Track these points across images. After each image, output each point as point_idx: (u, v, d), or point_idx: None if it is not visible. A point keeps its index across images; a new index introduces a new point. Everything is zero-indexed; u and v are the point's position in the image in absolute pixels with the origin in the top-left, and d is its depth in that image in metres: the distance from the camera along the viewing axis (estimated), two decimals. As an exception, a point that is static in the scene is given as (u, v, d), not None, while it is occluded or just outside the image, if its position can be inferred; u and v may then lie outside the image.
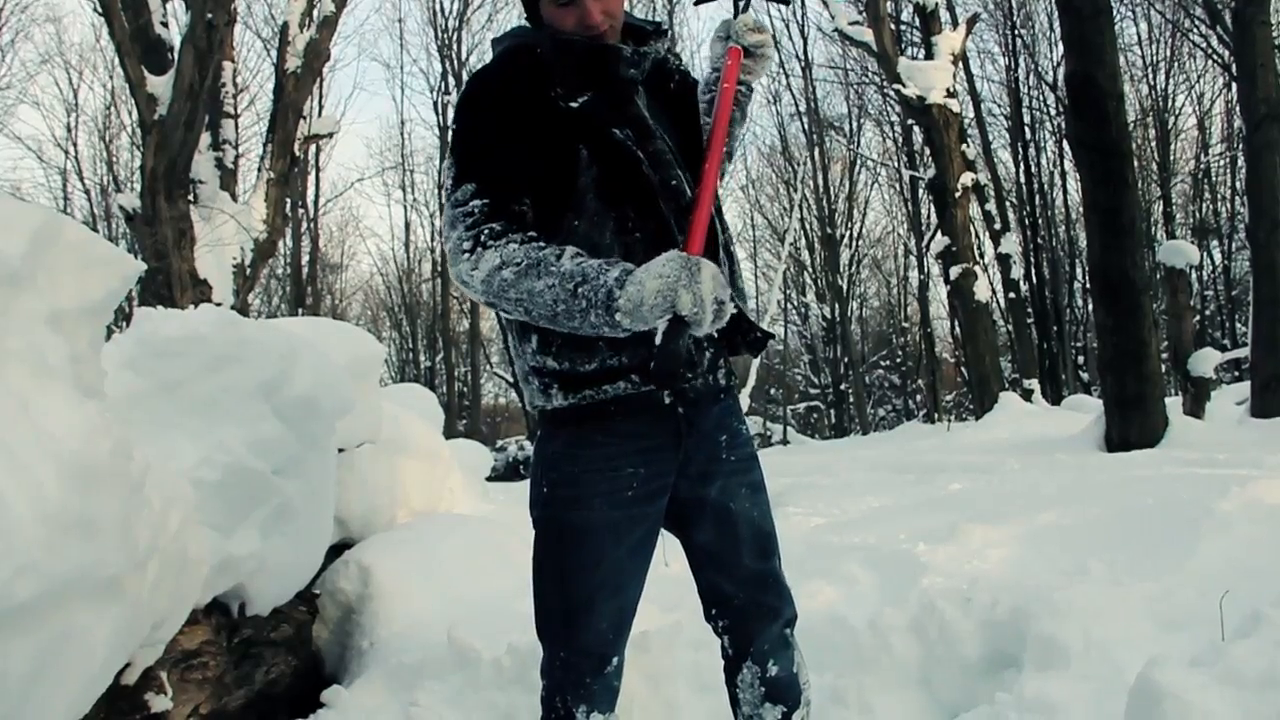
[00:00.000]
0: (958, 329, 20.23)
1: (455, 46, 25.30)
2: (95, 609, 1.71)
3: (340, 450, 3.44)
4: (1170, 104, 23.50)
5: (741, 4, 1.92)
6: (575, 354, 1.59)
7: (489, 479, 7.31)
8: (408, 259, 29.39)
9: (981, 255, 18.25)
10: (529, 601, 1.74)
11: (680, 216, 1.60)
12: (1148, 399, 7.22)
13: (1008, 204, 22.23)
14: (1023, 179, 23.35)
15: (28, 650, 1.54)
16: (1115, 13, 11.50)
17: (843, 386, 26.53)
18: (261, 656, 2.92)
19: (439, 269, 25.95)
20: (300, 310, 22.48)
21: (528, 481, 1.76)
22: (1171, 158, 23.76)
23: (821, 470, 8.58)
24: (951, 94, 14.62)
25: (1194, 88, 23.47)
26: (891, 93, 17.18)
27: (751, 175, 27.65)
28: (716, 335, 1.70)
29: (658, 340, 1.40)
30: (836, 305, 25.79)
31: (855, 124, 26.38)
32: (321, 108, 21.88)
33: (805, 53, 24.42)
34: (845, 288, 26.20)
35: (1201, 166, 23.71)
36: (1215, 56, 18.06)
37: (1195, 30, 19.01)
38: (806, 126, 25.31)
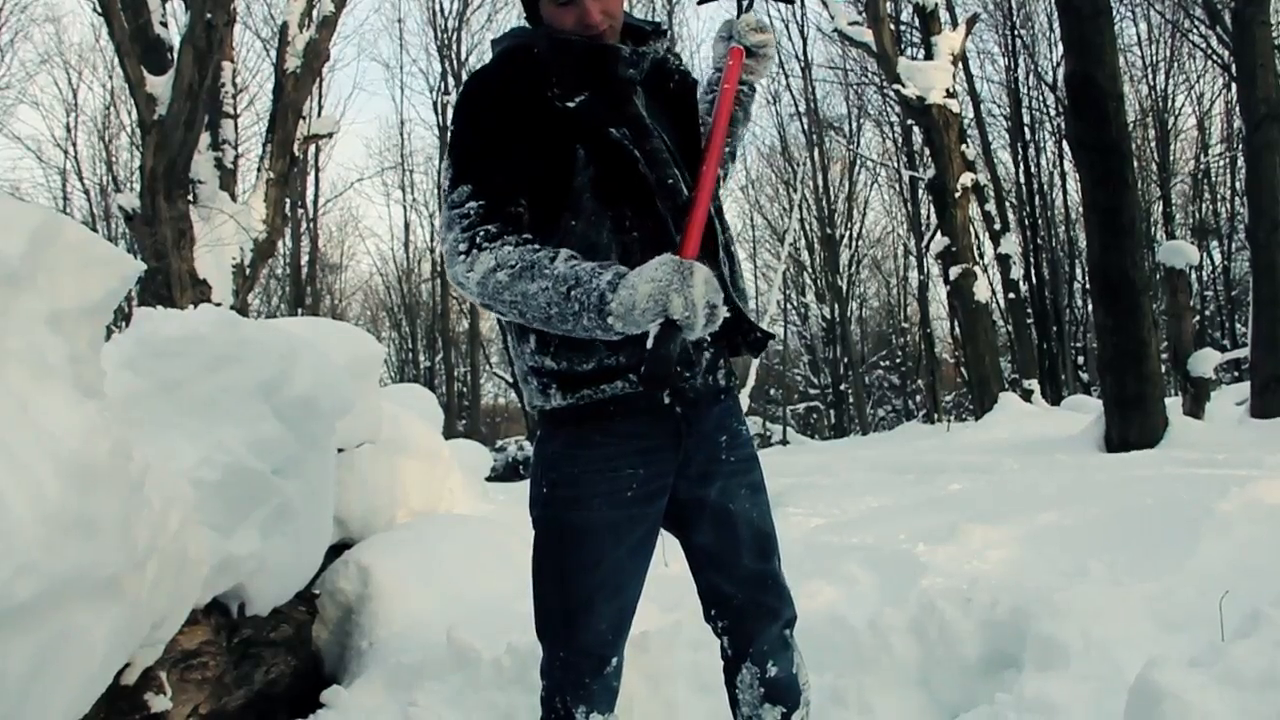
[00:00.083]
0: (957, 329, 20.23)
1: (455, 46, 25.30)
2: (95, 609, 1.71)
3: (340, 450, 3.44)
4: (1170, 104, 23.52)
5: (745, 3, 1.92)
6: (573, 354, 1.59)
7: (488, 479, 7.31)
8: (407, 259, 29.40)
9: (981, 255, 18.26)
10: (529, 601, 1.74)
11: (678, 215, 1.60)
12: (1147, 399, 7.22)
13: (1007, 204, 22.23)
14: (1022, 179, 23.36)
15: (27, 650, 1.54)
16: (1115, 13, 11.51)
17: (842, 387, 26.53)
18: (261, 657, 2.91)
19: (438, 269, 25.94)
20: (300, 310, 22.48)
21: (527, 481, 1.76)
22: (1171, 158, 23.77)
23: (821, 470, 8.58)
24: (951, 94, 14.61)
25: (1194, 88, 23.50)
26: (891, 93, 17.18)
27: (751, 175, 27.66)
28: (716, 335, 1.70)
29: (649, 344, 1.40)
30: (836, 305, 25.78)
31: (855, 124, 26.40)
32: (321, 108, 21.89)
33: (805, 53, 24.45)
34: (845, 288, 26.19)
35: (1201, 167, 23.72)
36: (1215, 57, 18.08)
37: (1195, 30, 19.02)
38: (806, 127, 25.33)
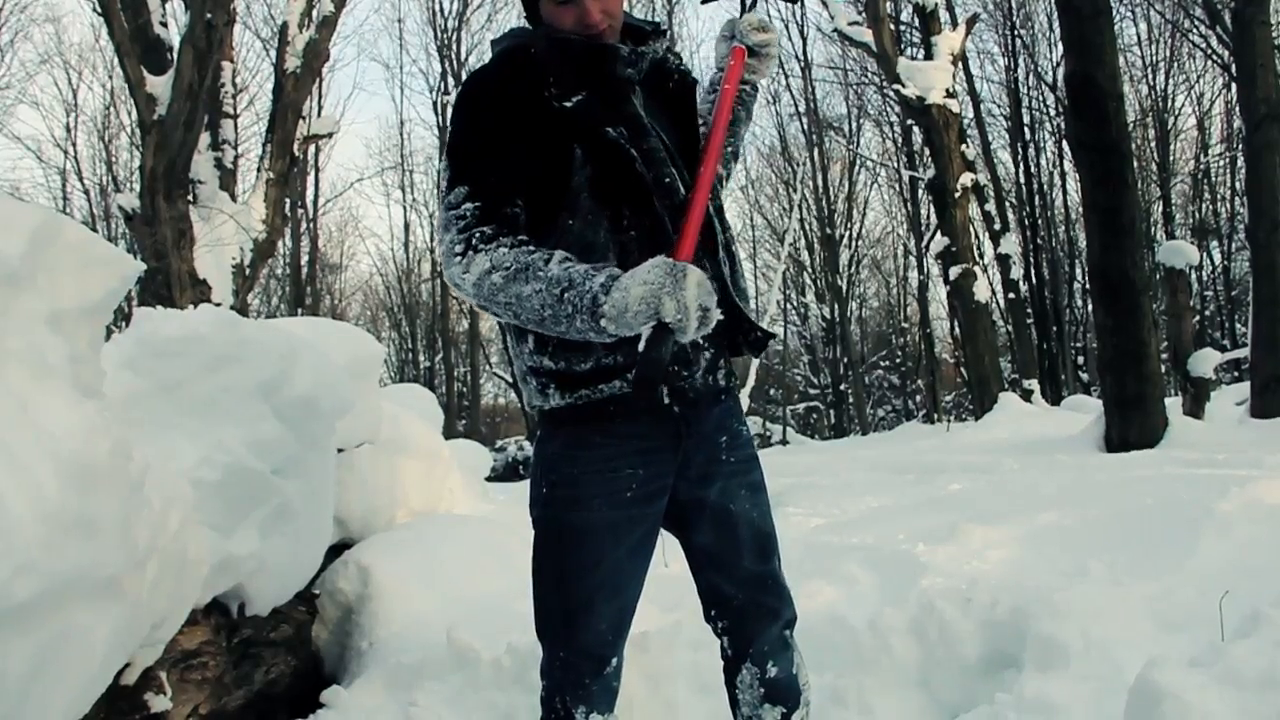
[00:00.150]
0: (957, 329, 20.23)
1: (454, 46, 25.32)
2: (95, 609, 1.71)
3: (340, 450, 3.43)
4: (1170, 104, 23.53)
5: (748, 2, 1.92)
6: (571, 354, 1.59)
7: (488, 479, 7.30)
8: (407, 259, 29.42)
9: (981, 255, 18.25)
10: (528, 601, 1.74)
11: (675, 214, 1.60)
12: (1147, 399, 7.23)
13: (1007, 204, 22.23)
14: (1022, 179, 23.37)
15: (27, 650, 1.54)
16: (1115, 13, 11.51)
17: (842, 387, 26.53)
18: (261, 657, 2.91)
19: (438, 269, 25.80)
20: (300, 310, 22.48)
21: (527, 482, 1.76)
22: (1171, 158, 23.77)
23: (821, 470, 8.59)
24: (951, 94, 14.62)
25: (1194, 88, 23.51)
26: (891, 93, 17.19)
27: (751, 175, 27.65)
28: (717, 335, 1.70)
29: (640, 347, 1.40)
30: (836, 305, 25.78)
31: (855, 124, 26.41)
32: (321, 108, 21.90)
33: (805, 53, 24.46)
34: (845, 288, 26.19)
35: (1201, 167, 23.72)
36: (1215, 57, 18.08)
37: (1195, 30, 19.03)
38: (806, 127, 25.34)
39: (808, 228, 26.53)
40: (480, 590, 3.39)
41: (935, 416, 19.87)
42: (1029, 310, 21.27)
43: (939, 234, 15.70)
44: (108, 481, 1.70)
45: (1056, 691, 2.32)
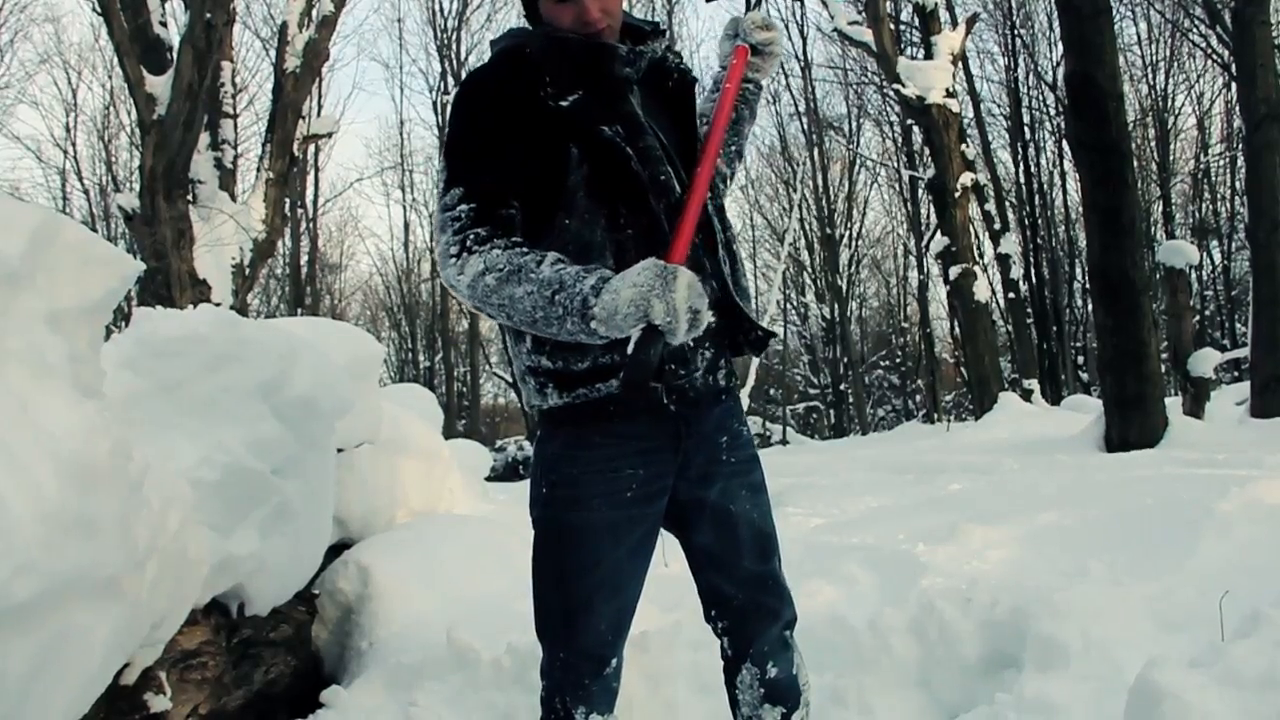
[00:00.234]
0: (957, 329, 20.23)
1: (454, 46, 25.32)
2: (94, 609, 1.71)
3: (339, 450, 3.43)
4: (1170, 104, 23.53)
5: (752, 0, 1.92)
6: (568, 353, 1.59)
7: (488, 479, 7.30)
8: (407, 259, 29.41)
9: (981, 255, 18.26)
10: (528, 601, 1.74)
11: (671, 213, 1.60)
12: (1147, 399, 7.23)
13: (1007, 204, 22.23)
14: (1022, 179, 23.37)
15: (27, 650, 1.54)
16: (1115, 12, 11.51)
17: (842, 387, 26.54)
18: (260, 657, 2.91)
19: (438, 269, 25.90)
20: (299, 310, 22.48)
21: (527, 482, 1.76)
22: (1171, 158, 23.78)
23: (821, 470, 8.59)
24: (951, 94, 14.62)
25: (1194, 88, 23.51)
26: (891, 93, 17.19)
27: (751, 175, 27.63)
28: (717, 334, 1.70)
29: (629, 349, 1.40)
30: (836, 305, 25.78)
31: (855, 124, 26.41)
32: (320, 107, 21.89)
33: (805, 53, 24.45)
34: (845, 288, 26.20)
35: (1201, 166, 23.72)
36: (1215, 56, 18.07)
37: (1195, 30, 19.02)
38: (806, 126, 25.34)
39: (808, 227, 26.53)
40: (480, 590, 3.39)
41: (935, 416, 19.87)
42: (1029, 310, 21.28)
43: (939, 234, 15.70)
44: (107, 481, 1.70)
45: (1056, 691, 2.32)
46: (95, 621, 1.72)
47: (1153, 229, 22.31)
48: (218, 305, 3.34)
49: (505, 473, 17.25)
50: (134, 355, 2.56)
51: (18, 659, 1.52)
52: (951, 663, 2.70)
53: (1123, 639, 2.48)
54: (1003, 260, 19.06)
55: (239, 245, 9.96)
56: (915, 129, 19.24)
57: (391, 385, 7.73)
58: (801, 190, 23.97)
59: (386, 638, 3.14)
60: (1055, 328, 22.46)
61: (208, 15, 9.02)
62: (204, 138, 10.01)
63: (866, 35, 15.29)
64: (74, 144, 25.32)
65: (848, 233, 26.58)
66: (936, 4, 15.51)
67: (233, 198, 10.52)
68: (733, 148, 1.99)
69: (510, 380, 24.25)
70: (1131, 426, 7.13)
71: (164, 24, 10.13)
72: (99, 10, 9.79)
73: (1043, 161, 24.00)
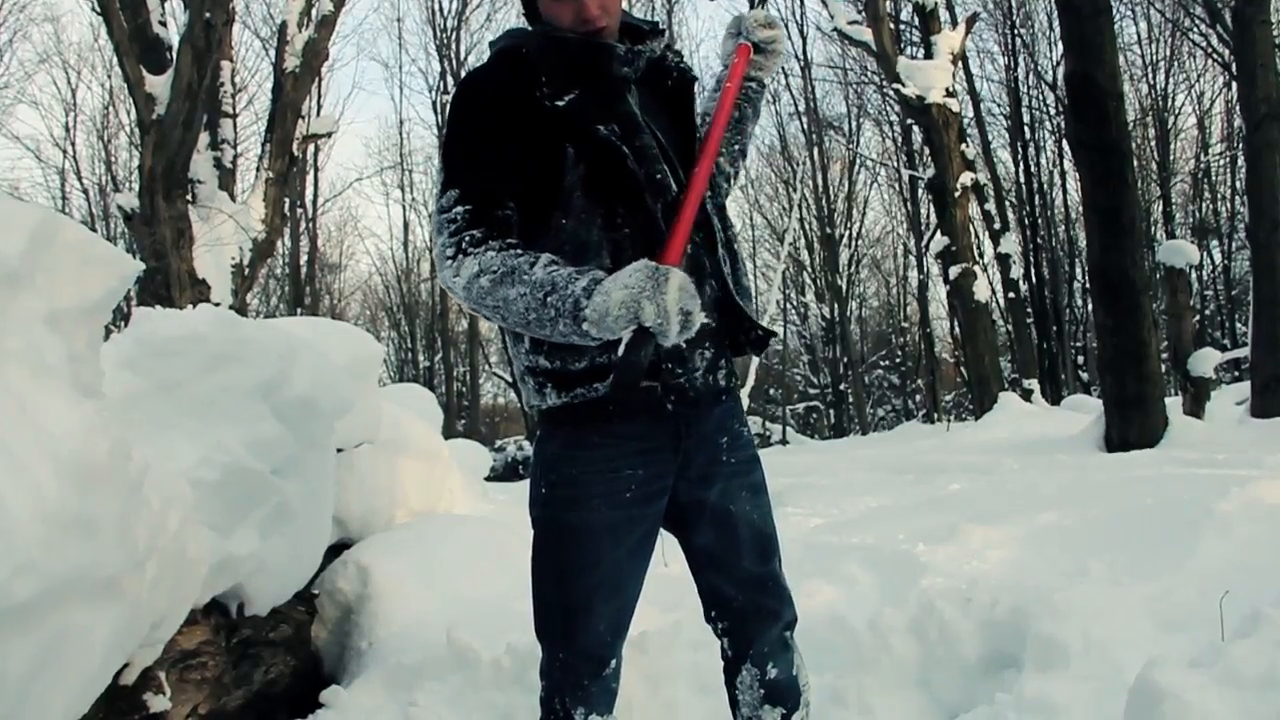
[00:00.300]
0: (957, 329, 20.23)
1: (454, 46, 25.31)
2: (94, 609, 1.71)
3: (339, 450, 3.43)
4: (1170, 103, 23.52)
5: None
6: (565, 353, 1.59)
7: (488, 479, 7.30)
8: (406, 259, 29.40)
9: (981, 255, 18.25)
10: (528, 602, 1.74)
11: (668, 212, 1.60)
12: (1148, 399, 7.22)
13: (1007, 204, 22.23)
14: (1022, 179, 23.36)
15: (26, 650, 1.54)
16: (1115, 11, 11.50)
17: (842, 386, 26.53)
18: (260, 657, 2.91)
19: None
20: (299, 310, 22.48)
21: (526, 481, 1.76)
22: (1171, 157, 23.77)
23: (821, 470, 8.58)
24: (951, 93, 14.61)
25: (1194, 87, 23.50)
26: (891, 92, 17.18)
27: (751, 175, 27.61)
28: (718, 334, 1.70)
29: (619, 351, 1.40)
30: (836, 305, 25.78)
31: (854, 123, 26.40)
32: (320, 107, 21.88)
33: (804, 52, 24.44)
34: (844, 287, 26.19)
35: (1201, 166, 23.72)
36: (1215, 56, 18.08)
37: (1195, 29, 19.02)
38: (806, 126, 25.33)
39: (807, 227, 26.53)
40: (480, 590, 3.39)
41: (935, 416, 19.87)
42: (1029, 310, 21.27)
43: (939, 233, 15.69)
44: (107, 481, 1.70)
45: (1056, 691, 2.31)
46: (95, 621, 1.71)
47: (1153, 229, 22.31)
48: (217, 305, 3.34)
49: (505, 473, 17.25)
50: (133, 355, 2.56)
51: (17, 659, 1.52)
52: (951, 663, 2.70)
53: (1123, 639, 2.48)
54: (1003, 260, 19.06)
55: (238, 245, 9.96)
56: (915, 128, 19.25)
57: (391, 385, 7.73)
58: (801, 190, 23.96)
59: (386, 638, 3.14)
60: (1055, 328, 22.45)
61: (207, 15, 9.02)
62: (203, 137, 10.01)
63: (866, 35, 15.29)
64: (73, 144, 25.35)
65: (847, 232, 26.58)
66: (936, 3, 15.50)
67: (232, 197, 10.52)
68: (736, 146, 1.99)
69: (510, 380, 24.24)
70: (1131, 426, 7.12)
71: (163, 23, 10.13)
72: (98, 10, 9.79)
73: (1043, 161, 24.02)
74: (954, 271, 14.62)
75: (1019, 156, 23.30)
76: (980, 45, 23.97)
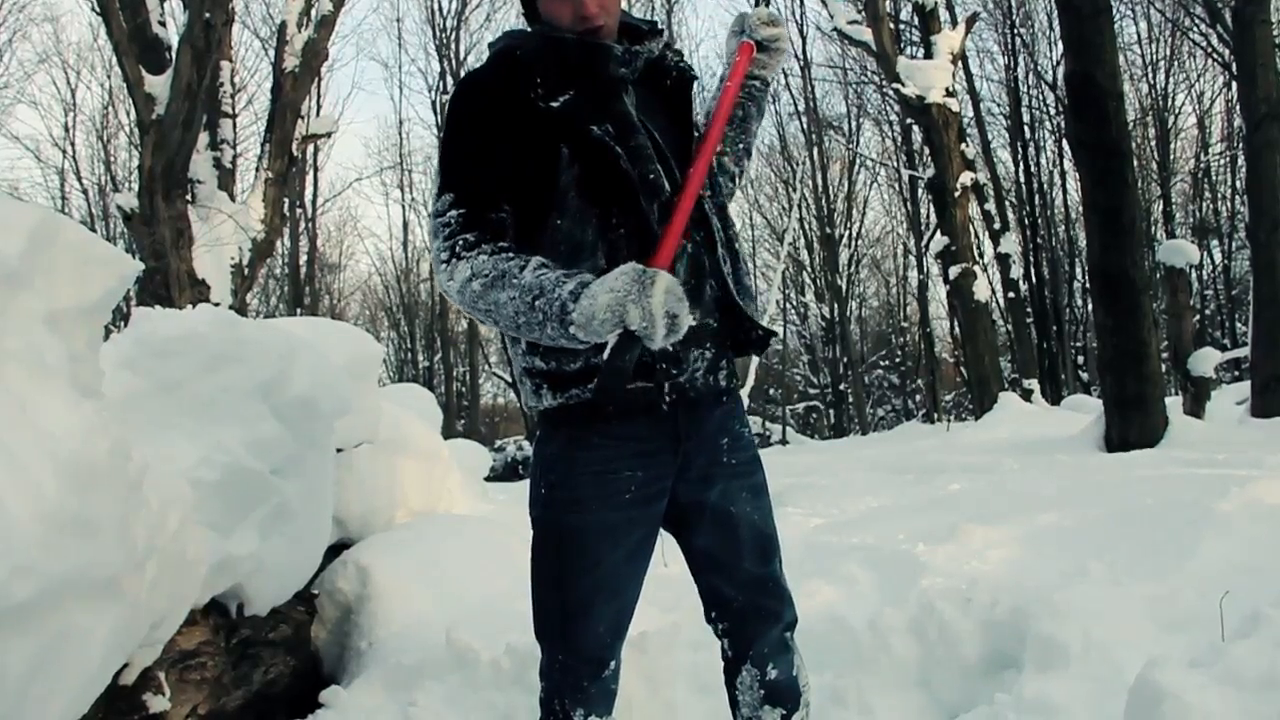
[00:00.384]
0: (957, 329, 20.23)
1: (453, 46, 25.30)
2: (93, 609, 1.71)
3: (339, 450, 3.43)
4: (1170, 103, 23.52)
5: None
6: (560, 354, 1.59)
7: (487, 479, 7.30)
8: (406, 259, 29.39)
9: (981, 255, 18.25)
10: (528, 602, 1.74)
11: (663, 212, 1.60)
12: (1148, 399, 7.22)
13: (1007, 204, 22.23)
14: (1022, 179, 23.36)
15: (26, 650, 1.54)
16: (1115, 11, 11.49)
17: (842, 386, 26.53)
18: (260, 657, 2.91)
19: (435, 272, 25.86)
20: (298, 310, 22.48)
21: (526, 481, 1.76)
22: (1171, 157, 23.77)
23: (821, 470, 8.58)
24: (951, 93, 14.61)
25: (1194, 87, 23.50)
26: (890, 92, 17.18)
27: (751, 175, 27.58)
28: (718, 335, 1.69)
29: (605, 355, 1.40)
30: (835, 305, 25.78)
31: (854, 123, 26.39)
32: (320, 107, 21.88)
33: (804, 52, 24.44)
34: (844, 287, 26.19)
35: (1201, 166, 23.72)
36: (1215, 55, 18.07)
37: (1195, 29, 19.01)
38: (805, 126, 25.33)
39: (807, 227, 26.53)
40: (479, 590, 3.38)
41: (935, 416, 19.87)
42: (1029, 310, 21.27)
43: (939, 233, 15.68)
44: (106, 481, 1.70)
45: (1056, 691, 2.31)
46: (94, 622, 1.71)
47: (1153, 228, 22.31)
48: (217, 305, 3.34)
49: (504, 473, 17.25)
50: (133, 355, 2.56)
51: (17, 659, 1.52)
52: (951, 663, 2.70)
53: (1123, 639, 2.48)
54: (1003, 260, 19.06)
55: (238, 245, 9.96)
56: (915, 128, 19.25)
57: (391, 385, 7.73)
58: (801, 190, 23.96)
59: (386, 638, 3.14)
60: (1055, 327, 22.45)
61: (206, 15, 9.01)
62: (203, 137, 10.01)
63: (866, 34, 15.29)
64: (73, 144, 25.35)
65: (847, 232, 26.58)
66: (936, 3, 15.50)
67: (232, 197, 10.51)
68: (740, 146, 1.98)
69: (509, 380, 24.24)
70: (1131, 426, 7.12)
71: (163, 23, 10.13)
72: (98, 10, 9.79)
73: (1043, 161, 24.02)
74: (954, 271, 14.62)
75: (1019, 156, 23.32)
76: (980, 45, 24.05)
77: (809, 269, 27.65)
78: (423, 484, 4.42)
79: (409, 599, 3.29)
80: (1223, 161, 23.17)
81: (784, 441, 21.45)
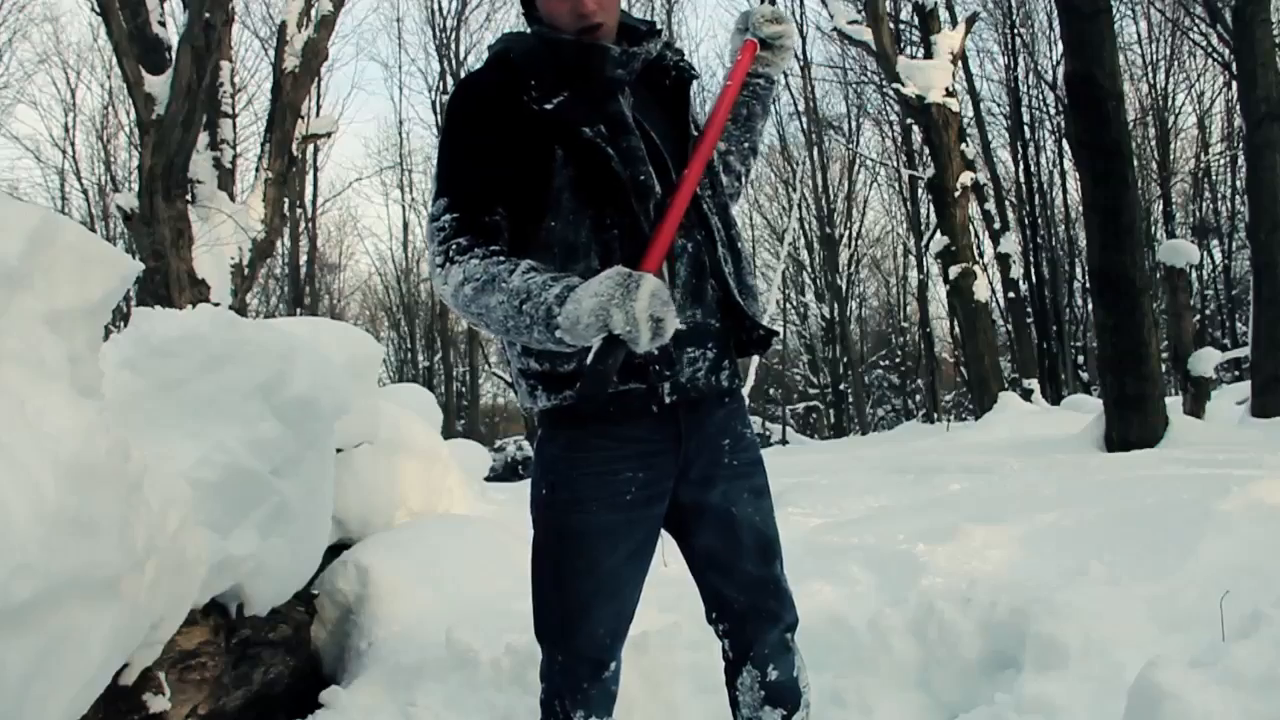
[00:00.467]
0: (957, 329, 20.22)
1: (453, 46, 25.29)
2: (93, 609, 1.71)
3: (338, 450, 3.43)
4: (1170, 103, 23.51)
5: None
6: (554, 356, 1.59)
7: (487, 479, 7.30)
8: (406, 259, 29.36)
9: (981, 255, 18.25)
10: (527, 601, 1.73)
11: (658, 214, 1.59)
12: (1148, 399, 7.21)
13: (1007, 203, 22.22)
14: (1022, 178, 23.35)
15: (26, 650, 1.54)
16: (1115, 11, 11.48)
17: (842, 386, 26.53)
18: (260, 657, 2.91)
19: (433, 275, 25.85)
20: (298, 310, 22.47)
21: (526, 481, 1.76)
22: (1171, 157, 23.75)
23: (821, 470, 8.57)
24: (951, 93, 14.60)
25: (1194, 86, 23.49)
26: (890, 92, 17.18)
27: (750, 175, 27.57)
28: (720, 335, 1.69)
29: (589, 358, 1.41)
30: (835, 305, 25.77)
31: (854, 123, 26.38)
32: (319, 107, 21.89)
33: (804, 52, 24.42)
34: (844, 287, 26.18)
35: (1201, 165, 23.72)
36: (1215, 55, 18.07)
37: (1195, 29, 19.02)
38: (805, 126, 25.30)
39: (807, 227, 26.53)
40: (479, 590, 3.38)
41: (935, 416, 19.86)
42: (1029, 309, 21.27)
43: (938, 233, 15.68)
44: (106, 482, 1.70)
45: (1056, 691, 2.31)
46: (94, 622, 1.71)
47: (1153, 228, 22.30)
48: (217, 305, 3.34)
49: (504, 473, 17.23)
50: (133, 355, 2.56)
51: (17, 659, 1.52)
52: (951, 663, 2.70)
53: (1123, 639, 2.48)
54: (1003, 260, 19.06)
55: (238, 245, 9.95)
56: (915, 128, 19.21)
57: (391, 385, 7.73)
58: (801, 190, 23.96)
59: (385, 638, 3.14)
60: (1055, 327, 22.45)
61: (206, 15, 9.01)
62: (203, 137, 10.00)
63: (866, 34, 15.28)
64: (73, 144, 25.34)
65: (847, 232, 26.57)
66: (936, 3, 15.50)
67: (231, 197, 10.50)
68: (746, 145, 1.97)
69: (509, 380, 24.05)
70: (1131, 426, 7.11)
71: (162, 24, 10.12)
72: (98, 10, 9.78)
73: (1043, 161, 24.01)
74: (954, 271, 14.61)
75: (1019, 156, 23.30)
76: (980, 45, 23.99)
77: (809, 269, 27.65)
78: (423, 484, 4.42)
79: (409, 599, 3.29)
80: (1223, 161, 23.18)
81: (784, 441, 21.45)
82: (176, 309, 3.10)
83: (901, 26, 20.05)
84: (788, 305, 28.29)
